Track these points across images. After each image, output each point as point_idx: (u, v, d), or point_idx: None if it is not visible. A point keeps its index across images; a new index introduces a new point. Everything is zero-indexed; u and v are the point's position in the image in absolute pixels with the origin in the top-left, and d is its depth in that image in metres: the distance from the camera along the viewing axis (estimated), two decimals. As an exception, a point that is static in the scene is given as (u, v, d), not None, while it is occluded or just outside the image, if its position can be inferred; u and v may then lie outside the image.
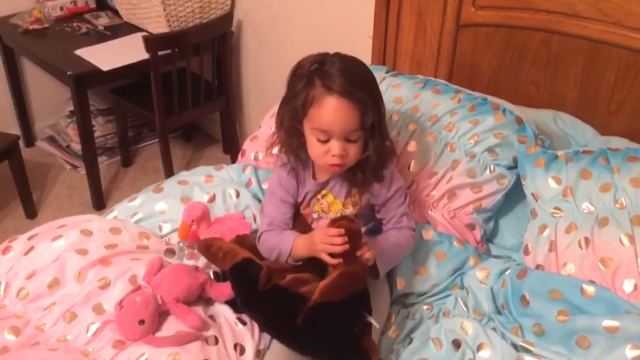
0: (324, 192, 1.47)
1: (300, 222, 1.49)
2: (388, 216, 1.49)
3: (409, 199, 1.55)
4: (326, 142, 1.32)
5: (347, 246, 1.27)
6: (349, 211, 1.46)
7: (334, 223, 1.30)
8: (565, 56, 1.79)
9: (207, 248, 1.47)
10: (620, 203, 1.43)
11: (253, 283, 1.32)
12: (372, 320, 1.29)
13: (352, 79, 1.29)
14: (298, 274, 1.35)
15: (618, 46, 1.67)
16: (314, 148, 1.35)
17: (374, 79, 1.37)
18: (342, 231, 1.27)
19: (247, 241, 1.50)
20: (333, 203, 1.46)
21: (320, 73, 1.30)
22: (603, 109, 1.78)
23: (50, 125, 3.34)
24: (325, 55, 1.35)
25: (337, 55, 1.36)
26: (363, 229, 1.38)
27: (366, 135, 1.34)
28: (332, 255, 1.28)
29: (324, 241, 1.29)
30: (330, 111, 1.28)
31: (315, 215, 1.49)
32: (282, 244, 1.41)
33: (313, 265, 1.36)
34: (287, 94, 1.38)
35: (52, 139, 3.34)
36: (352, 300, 1.28)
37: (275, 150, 1.49)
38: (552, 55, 1.81)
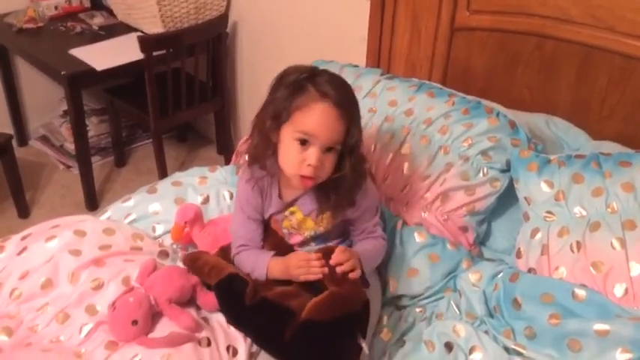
0: (292, 209, 1.44)
1: (271, 235, 1.47)
2: (361, 227, 1.47)
3: (379, 209, 1.53)
4: (304, 149, 1.29)
5: (325, 269, 1.29)
6: (323, 228, 1.44)
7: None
8: (558, 61, 1.80)
9: (193, 262, 1.47)
10: (612, 208, 1.44)
11: (240, 297, 1.32)
12: (363, 345, 1.28)
13: (345, 93, 1.31)
14: (287, 286, 1.34)
15: (611, 52, 1.68)
16: (289, 156, 1.31)
17: (358, 103, 1.37)
18: (315, 256, 1.29)
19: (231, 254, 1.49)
20: (304, 221, 1.43)
21: (312, 81, 1.29)
22: (596, 114, 1.79)
23: (43, 124, 3.33)
24: (314, 67, 1.36)
25: (325, 70, 1.36)
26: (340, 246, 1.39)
27: (344, 152, 1.32)
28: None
29: (300, 265, 1.31)
30: (320, 116, 1.26)
31: (285, 231, 1.46)
32: (256, 268, 1.39)
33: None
34: (268, 98, 1.36)
35: (45, 139, 3.33)
36: (345, 321, 1.27)
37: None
38: (545, 60, 1.82)
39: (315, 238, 1.46)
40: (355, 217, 1.45)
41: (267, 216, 1.46)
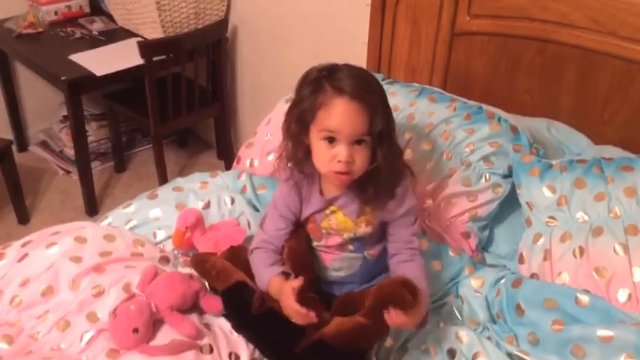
0: (332, 208, 1.40)
1: (296, 236, 1.44)
2: (398, 234, 1.42)
3: (417, 219, 1.46)
4: (332, 147, 1.28)
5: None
6: (362, 230, 1.40)
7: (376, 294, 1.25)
8: (559, 65, 1.80)
9: (201, 264, 1.46)
10: (615, 213, 1.43)
11: (246, 306, 1.31)
12: None
13: (362, 84, 1.28)
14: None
15: (612, 56, 1.68)
16: (320, 155, 1.30)
17: (383, 90, 1.34)
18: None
19: (240, 254, 1.48)
20: (344, 222, 1.40)
21: (329, 78, 1.28)
22: (597, 118, 1.79)
23: (43, 130, 3.33)
24: (334, 64, 1.34)
25: (346, 64, 1.34)
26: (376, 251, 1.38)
27: (374, 143, 1.30)
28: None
29: (286, 308, 1.26)
30: (340, 112, 1.25)
31: (324, 231, 1.43)
32: (260, 277, 1.38)
33: (312, 284, 1.35)
34: (294, 101, 1.35)
35: (45, 144, 3.32)
36: (361, 352, 1.25)
37: (270, 157, 1.46)
38: (546, 64, 1.82)
39: (354, 241, 1.42)
40: (395, 219, 1.40)
41: (305, 215, 1.42)
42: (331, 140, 1.27)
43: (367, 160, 1.30)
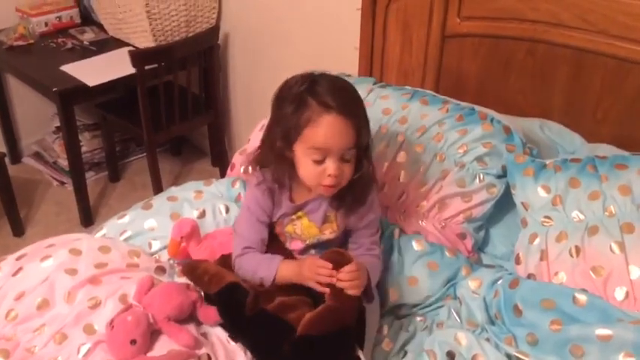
0: (299, 214, 1.42)
1: (274, 241, 1.45)
2: (359, 242, 1.46)
3: (379, 229, 1.52)
4: (321, 162, 1.29)
5: (333, 279, 1.26)
6: (326, 237, 1.43)
7: (324, 255, 1.30)
8: (551, 65, 1.80)
9: (193, 270, 1.45)
10: (610, 211, 1.43)
11: (240, 307, 1.31)
12: (361, 356, 1.27)
13: (347, 97, 1.29)
14: (287, 296, 1.33)
15: (603, 55, 1.68)
16: (308, 170, 1.31)
17: (362, 100, 1.36)
18: (330, 265, 1.27)
19: (231, 262, 1.48)
20: (308, 227, 1.42)
21: (313, 92, 1.28)
22: (590, 117, 1.79)
23: (36, 141, 3.32)
24: (311, 75, 1.33)
25: (324, 75, 1.34)
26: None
27: (359, 154, 1.32)
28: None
29: (312, 270, 1.29)
30: (328, 128, 1.26)
31: (287, 235, 1.45)
32: (263, 269, 1.37)
33: (302, 287, 1.35)
34: (274, 117, 1.35)
35: (38, 156, 3.32)
36: (342, 334, 1.25)
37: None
38: (538, 64, 1.83)
39: (316, 246, 1.45)
40: (359, 227, 1.44)
41: (275, 218, 1.44)
42: (320, 156, 1.28)
43: (352, 171, 1.33)
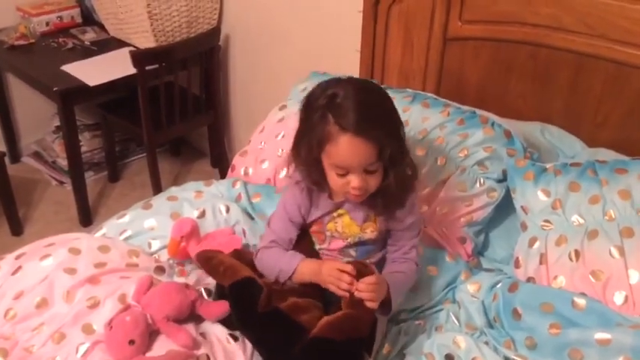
0: (340, 211, 1.41)
1: (301, 244, 1.44)
2: (399, 244, 1.44)
3: (421, 232, 1.49)
4: (344, 175, 1.28)
5: (352, 287, 1.27)
6: (367, 236, 1.41)
7: (348, 264, 1.30)
8: (552, 69, 1.80)
9: (208, 260, 1.44)
10: (609, 215, 1.43)
11: (252, 303, 1.30)
12: None
13: (366, 114, 1.24)
14: (300, 298, 1.33)
15: (604, 59, 1.69)
16: (334, 180, 1.31)
17: (391, 106, 1.32)
18: (353, 270, 1.27)
19: (245, 256, 1.48)
20: (349, 225, 1.41)
21: (332, 107, 1.24)
22: (590, 121, 1.79)
23: (36, 141, 3.32)
24: (338, 83, 1.30)
25: (350, 82, 1.31)
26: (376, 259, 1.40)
27: (385, 164, 1.30)
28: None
29: (331, 274, 1.29)
30: (345, 149, 1.24)
31: (328, 234, 1.43)
32: (284, 263, 1.38)
33: (316, 290, 1.35)
34: (301, 127, 1.33)
35: (38, 155, 3.31)
36: (355, 342, 1.25)
37: (265, 165, 1.44)
38: (539, 68, 1.83)
39: (357, 245, 1.43)
40: (399, 229, 1.42)
41: (312, 218, 1.42)
42: (342, 171, 1.28)
43: (381, 179, 1.31)
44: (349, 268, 1.29)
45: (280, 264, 1.38)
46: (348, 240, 1.41)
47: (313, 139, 1.28)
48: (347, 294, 1.28)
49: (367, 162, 1.26)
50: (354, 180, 1.28)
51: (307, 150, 1.31)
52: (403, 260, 1.43)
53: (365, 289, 1.27)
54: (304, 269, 1.36)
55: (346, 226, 1.41)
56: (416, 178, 1.41)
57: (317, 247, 1.45)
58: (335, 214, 1.41)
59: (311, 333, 1.24)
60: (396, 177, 1.32)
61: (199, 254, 1.50)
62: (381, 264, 1.46)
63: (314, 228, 1.44)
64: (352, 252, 1.43)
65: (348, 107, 1.24)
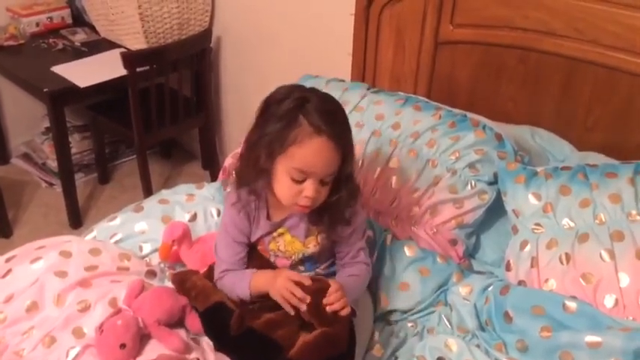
0: (280, 230, 1.38)
1: (256, 257, 1.42)
2: (345, 250, 1.42)
3: (366, 232, 1.50)
4: (300, 182, 1.25)
5: (303, 306, 1.25)
6: (310, 250, 1.39)
7: (306, 289, 1.27)
8: (542, 73, 1.82)
9: (182, 283, 1.44)
10: (600, 219, 1.44)
11: (225, 326, 1.30)
12: None
13: (337, 122, 1.26)
14: (273, 312, 1.30)
15: (594, 64, 1.70)
16: (284, 187, 1.28)
17: (350, 127, 1.32)
18: (306, 284, 1.26)
19: None
20: (292, 243, 1.39)
21: (304, 110, 1.23)
22: (580, 125, 1.81)
23: (25, 142, 3.29)
24: (302, 91, 1.30)
25: (314, 92, 1.30)
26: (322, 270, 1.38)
27: (339, 179, 1.30)
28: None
29: (286, 286, 1.26)
30: (316, 152, 1.22)
31: (272, 253, 1.41)
32: (239, 289, 1.35)
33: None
34: (258, 131, 1.29)
35: (27, 157, 3.28)
36: (335, 358, 1.24)
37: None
38: (529, 72, 1.84)
39: (304, 261, 1.41)
40: (344, 236, 1.41)
41: (254, 239, 1.41)
42: (300, 177, 1.25)
43: (327, 193, 1.30)
44: (308, 282, 1.27)
45: (236, 290, 1.36)
46: (292, 258, 1.39)
47: (275, 142, 1.24)
48: (292, 310, 1.26)
49: (331, 169, 1.26)
50: (308, 188, 1.25)
51: (264, 154, 1.27)
52: (353, 264, 1.42)
53: (335, 300, 1.26)
54: (258, 283, 1.33)
55: (288, 244, 1.39)
56: (359, 191, 1.41)
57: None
58: (275, 234, 1.39)
59: (289, 354, 1.23)
60: (348, 192, 1.32)
61: (174, 276, 1.49)
62: (333, 271, 1.45)
63: (259, 247, 1.42)
64: (300, 267, 1.42)
65: (321, 112, 1.23)
